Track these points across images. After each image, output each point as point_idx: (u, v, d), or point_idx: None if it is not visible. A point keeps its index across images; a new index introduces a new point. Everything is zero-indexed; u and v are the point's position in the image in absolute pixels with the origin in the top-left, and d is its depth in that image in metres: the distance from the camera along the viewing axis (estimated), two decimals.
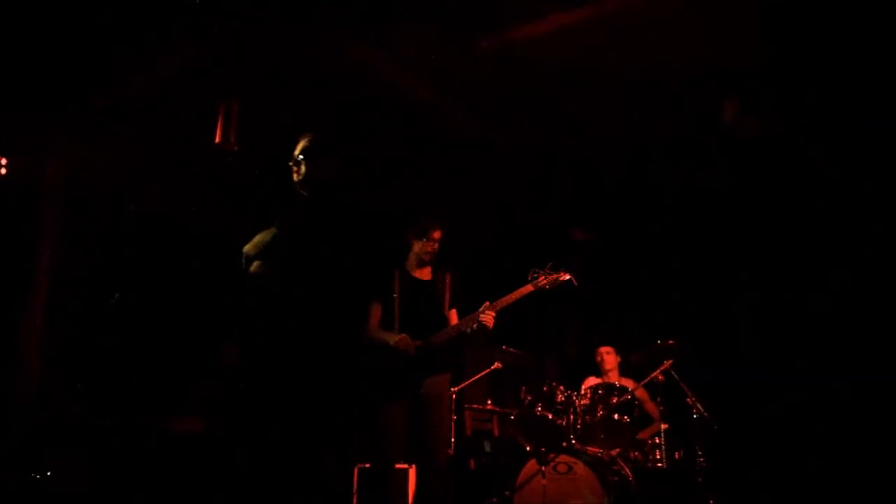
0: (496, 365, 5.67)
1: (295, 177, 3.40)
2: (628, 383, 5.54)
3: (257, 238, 3.34)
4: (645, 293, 6.67)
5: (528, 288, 4.11)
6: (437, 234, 4.24)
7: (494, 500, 5.32)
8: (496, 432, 6.59)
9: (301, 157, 3.37)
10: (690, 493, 4.99)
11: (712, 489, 4.97)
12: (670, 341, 5.27)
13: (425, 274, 4.32)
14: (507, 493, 4.98)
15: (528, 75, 4.87)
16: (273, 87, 4.68)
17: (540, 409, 5.20)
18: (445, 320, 4.18)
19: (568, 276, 4.15)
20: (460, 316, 4.18)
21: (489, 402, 5.98)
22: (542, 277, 4.11)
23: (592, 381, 5.93)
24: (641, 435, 5.38)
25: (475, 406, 6.08)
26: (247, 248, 3.33)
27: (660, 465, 5.25)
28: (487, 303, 4.04)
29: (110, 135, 5.10)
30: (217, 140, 4.31)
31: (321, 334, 3.21)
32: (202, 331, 5.77)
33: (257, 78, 4.56)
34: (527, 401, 5.28)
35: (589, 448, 5.07)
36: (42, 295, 5.07)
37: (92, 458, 4.84)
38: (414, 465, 4.83)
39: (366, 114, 5.10)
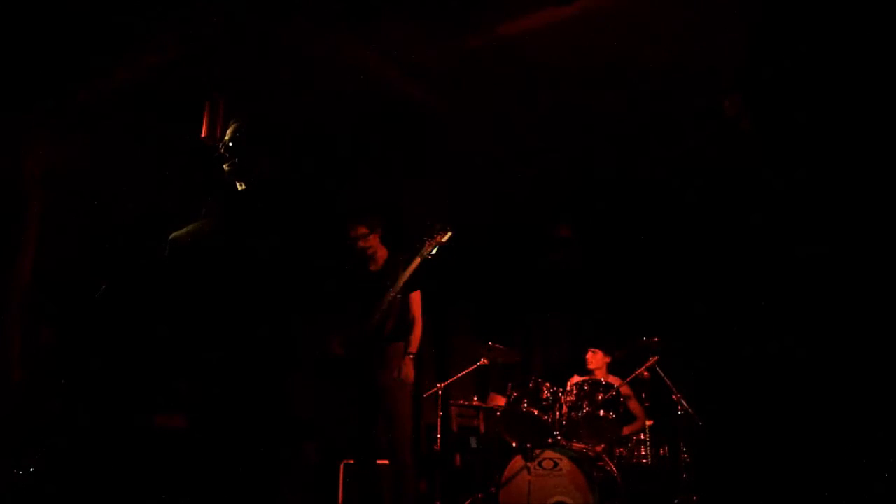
0: (482, 361, 5.68)
1: (226, 166, 3.13)
2: (614, 380, 5.56)
3: (191, 227, 3.09)
4: (630, 289, 6.68)
5: (416, 261, 4.21)
6: (352, 232, 4.32)
7: (480, 495, 5.33)
8: (482, 428, 6.59)
9: (231, 144, 3.10)
10: (675, 489, 5.02)
11: (697, 485, 5.00)
12: (655, 339, 5.29)
13: (376, 264, 4.47)
14: (493, 489, 5.00)
15: (513, 71, 4.87)
16: (258, 83, 4.64)
17: (526, 405, 5.21)
18: (394, 306, 4.29)
19: (448, 235, 4.21)
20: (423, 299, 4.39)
21: (475, 398, 5.98)
22: (427, 245, 4.19)
23: (577, 379, 5.94)
24: (624, 431, 5.41)
25: (461, 402, 6.08)
26: (177, 235, 3.07)
27: (645, 461, 5.28)
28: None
29: (91, 131, 5.03)
30: (203, 135, 4.26)
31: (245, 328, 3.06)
32: (185, 326, 5.72)
33: (242, 73, 4.51)
34: (513, 397, 5.28)
35: (574, 444, 5.08)
36: (23, 290, 5.01)
37: (74, 453, 4.80)
38: None
39: (352, 110, 5.06)
